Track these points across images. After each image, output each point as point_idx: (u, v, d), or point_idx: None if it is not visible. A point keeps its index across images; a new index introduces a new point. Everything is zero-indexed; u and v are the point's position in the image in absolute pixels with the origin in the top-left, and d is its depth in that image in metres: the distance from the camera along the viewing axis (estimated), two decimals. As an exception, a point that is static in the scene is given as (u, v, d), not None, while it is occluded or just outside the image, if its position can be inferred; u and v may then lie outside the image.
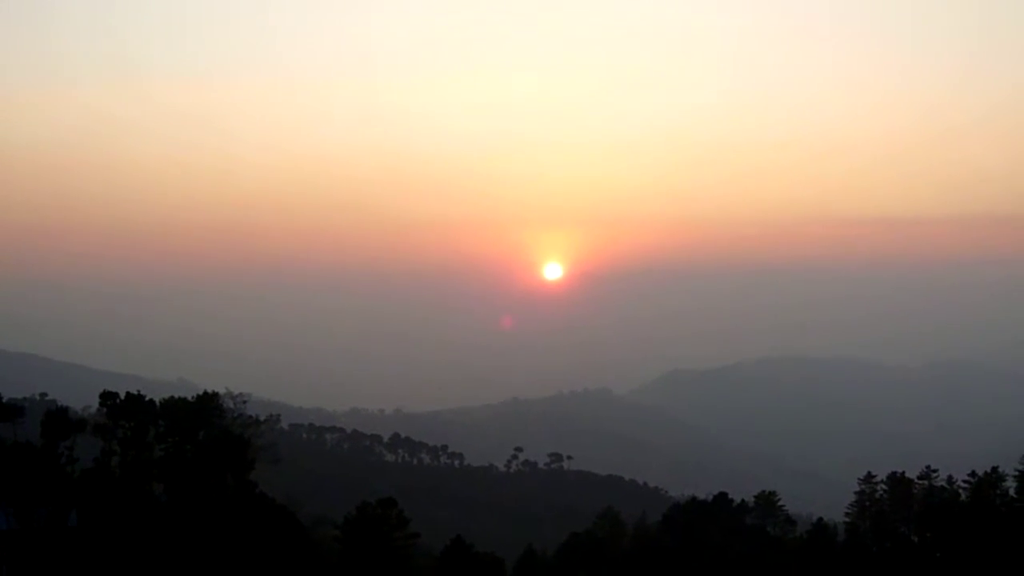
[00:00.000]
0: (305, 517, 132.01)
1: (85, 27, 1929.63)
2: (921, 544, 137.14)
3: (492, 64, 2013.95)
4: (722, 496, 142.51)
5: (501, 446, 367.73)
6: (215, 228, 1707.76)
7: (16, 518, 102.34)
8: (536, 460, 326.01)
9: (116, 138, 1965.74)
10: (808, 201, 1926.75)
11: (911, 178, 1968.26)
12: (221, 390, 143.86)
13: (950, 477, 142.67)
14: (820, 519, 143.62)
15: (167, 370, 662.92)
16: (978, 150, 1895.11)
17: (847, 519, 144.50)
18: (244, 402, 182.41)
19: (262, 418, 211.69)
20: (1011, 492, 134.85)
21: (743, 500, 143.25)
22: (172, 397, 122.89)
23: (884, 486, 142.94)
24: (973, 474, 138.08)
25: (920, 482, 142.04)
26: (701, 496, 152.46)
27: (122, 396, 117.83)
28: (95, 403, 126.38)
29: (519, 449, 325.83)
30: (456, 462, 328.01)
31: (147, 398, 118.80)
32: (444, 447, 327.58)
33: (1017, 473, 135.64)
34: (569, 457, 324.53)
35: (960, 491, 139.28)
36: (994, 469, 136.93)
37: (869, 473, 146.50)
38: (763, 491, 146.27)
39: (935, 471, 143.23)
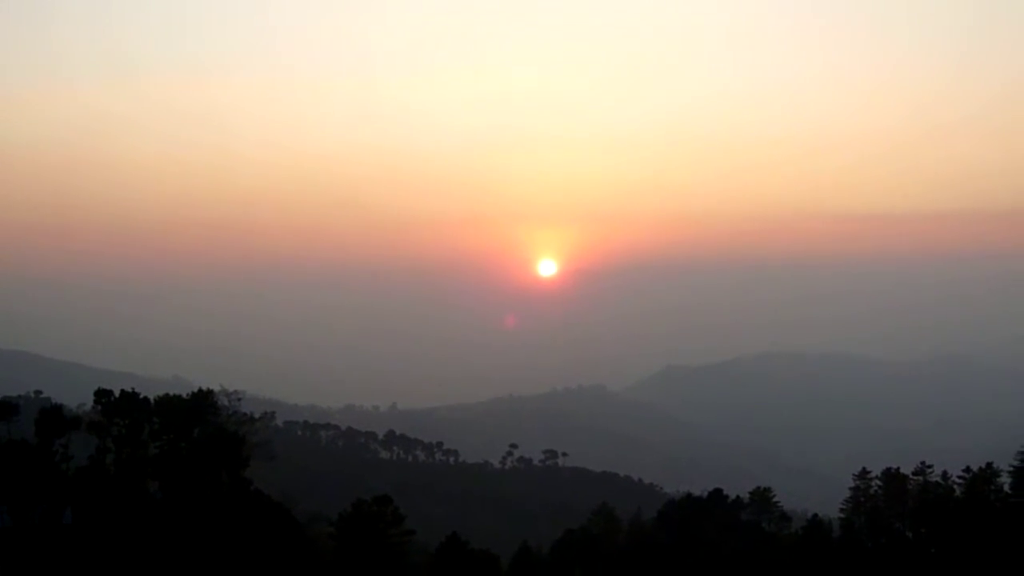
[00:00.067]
0: (300, 514, 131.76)
1: (84, 26, 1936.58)
2: (916, 540, 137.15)
3: (489, 61, 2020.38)
4: (717, 492, 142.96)
5: (496, 443, 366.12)
6: (213, 225, 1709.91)
7: (11, 516, 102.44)
8: (531, 457, 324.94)
9: (114, 136, 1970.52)
10: (805, 197, 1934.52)
11: (907, 173, 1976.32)
12: (216, 387, 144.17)
13: (945, 473, 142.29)
14: (815, 515, 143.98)
15: (164, 368, 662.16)
16: (975, 145, 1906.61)
17: (842, 515, 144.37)
18: (239, 399, 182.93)
19: (257, 415, 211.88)
20: (1006, 488, 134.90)
21: (738, 496, 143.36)
22: (167, 395, 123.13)
23: (879, 482, 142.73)
24: (968, 470, 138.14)
25: (915, 478, 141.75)
26: (696, 492, 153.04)
27: (117, 394, 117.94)
28: (90, 401, 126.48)
29: (514, 446, 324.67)
30: (451, 459, 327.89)
31: (142, 396, 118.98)
32: (439, 444, 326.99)
33: (1012, 469, 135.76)
34: (564, 454, 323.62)
35: (955, 487, 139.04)
36: (989, 465, 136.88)
37: (864, 469, 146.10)
38: (758, 487, 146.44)
39: (930, 467, 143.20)
